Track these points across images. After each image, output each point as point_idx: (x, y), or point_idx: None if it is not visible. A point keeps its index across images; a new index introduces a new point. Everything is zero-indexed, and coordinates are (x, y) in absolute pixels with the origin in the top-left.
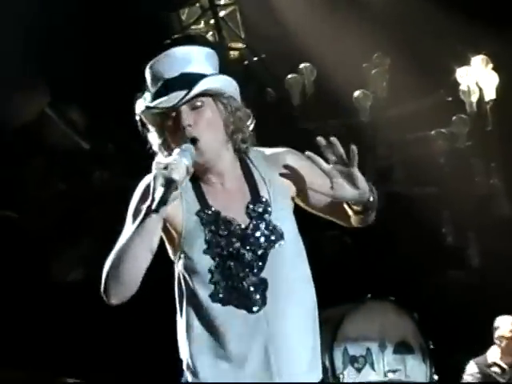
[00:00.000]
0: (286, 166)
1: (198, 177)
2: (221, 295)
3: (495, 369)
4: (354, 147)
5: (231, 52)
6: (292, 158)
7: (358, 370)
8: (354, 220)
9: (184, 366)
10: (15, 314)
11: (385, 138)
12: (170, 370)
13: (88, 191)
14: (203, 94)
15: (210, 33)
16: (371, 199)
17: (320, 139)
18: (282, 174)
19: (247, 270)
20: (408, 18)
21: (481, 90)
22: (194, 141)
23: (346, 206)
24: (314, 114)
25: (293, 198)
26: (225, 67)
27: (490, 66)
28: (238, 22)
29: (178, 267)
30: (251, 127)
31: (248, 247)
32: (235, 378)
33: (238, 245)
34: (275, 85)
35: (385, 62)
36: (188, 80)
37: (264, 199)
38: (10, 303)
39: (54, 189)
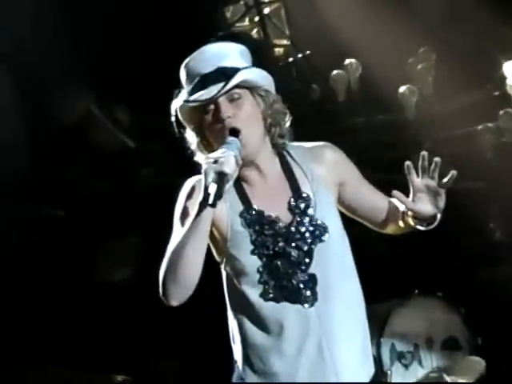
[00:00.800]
0: (328, 160)
1: (239, 176)
2: (271, 294)
3: None
4: (437, 159)
5: (276, 49)
6: (333, 152)
7: (406, 366)
8: (396, 230)
9: (238, 366)
10: (63, 314)
11: (431, 133)
12: (223, 372)
13: (135, 190)
14: (241, 86)
15: (255, 30)
16: (437, 219)
17: (408, 164)
18: (324, 168)
19: (295, 267)
20: (454, 11)
21: None
22: (235, 132)
23: (402, 216)
24: (359, 110)
25: (337, 192)
26: (270, 64)
27: None
28: (282, 18)
29: (226, 269)
30: (288, 123)
31: (293, 244)
32: (290, 374)
33: (283, 243)
34: (320, 81)
35: (431, 57)
36: (225, 73)
37: (305, 195)
38: (57, 303)
39: (101, 188)
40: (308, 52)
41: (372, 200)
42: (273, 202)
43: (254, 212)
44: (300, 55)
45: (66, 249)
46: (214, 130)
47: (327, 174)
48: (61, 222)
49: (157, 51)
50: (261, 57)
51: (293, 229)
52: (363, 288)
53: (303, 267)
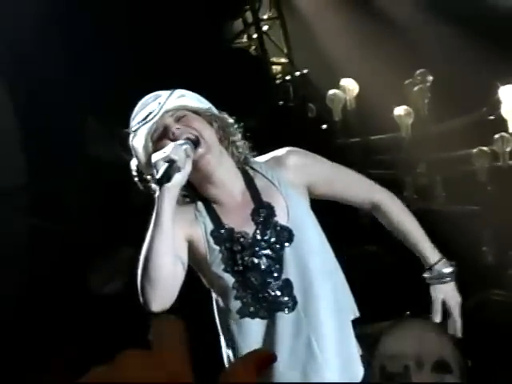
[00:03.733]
0: (292, 165)
1: (209, 199)
2: (251, 308)
3: None
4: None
5: (274, 67)
6: (296, 156)
7: None
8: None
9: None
10: (56, 324)
11: (426, 155)
12: None
13: (128, 203)
14: (184, 108)
15: (253, 47)
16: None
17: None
18: (290, 172)
19: (267, 277)
20: (448, 35)
21: None
22: (191, 141)
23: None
24: (355, 130)
25: (307, 193)
26: (267, 81)
27: None
28: (280, 36)
29: (213, 289)
30: (240, 136)
31: (261, 253)
32: (283, 374)
33: (251, 256)
34: (317, 100)
35: (427, 79)
36: (164, 96)
37: (266, 203)
38: (51, 313)
39: (96, 200)
40: (306, 70)
41: (345, 197)
42: (240, 217)
43: (223, 230)
44: (297, 73)
45: (59, 261)
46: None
47: (294, 177)
48: (55, 234)
49: (155, 67)
50: (258, 74)
51: (258, 237)
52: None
53: (276, 274)
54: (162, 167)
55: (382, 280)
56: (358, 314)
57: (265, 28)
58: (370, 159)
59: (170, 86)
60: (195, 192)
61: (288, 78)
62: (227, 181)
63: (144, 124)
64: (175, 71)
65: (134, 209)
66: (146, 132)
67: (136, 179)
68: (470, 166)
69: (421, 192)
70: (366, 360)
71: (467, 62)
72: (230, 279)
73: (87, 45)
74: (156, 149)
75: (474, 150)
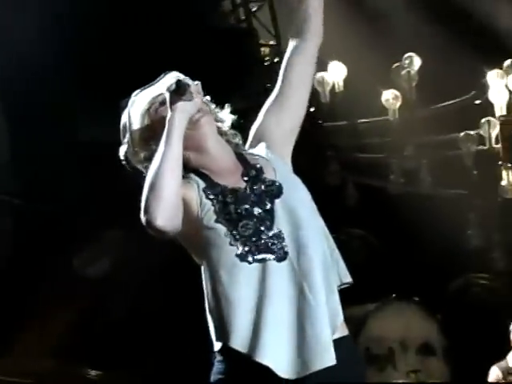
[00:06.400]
0: (261, 132)
1: (201, 168)
2: (244, 255)
3: None
4: None
5: (262, 49)
6: (256, 125)
7: (381, 370)
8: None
9: (217, 339)
10: (38, 306)
11: (413, 139)
12: (197, 366)
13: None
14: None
15: (242, 28)
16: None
17: None
18: (262, 146)
19: (260, 225)
20: (438, 18)
21: (511, 93)
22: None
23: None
24: (342, 113)
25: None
26: (255, 63)
27: None
28: (269, 18)
29: (204, 246)
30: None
31: (253, 204)
32: (279, 320)
33: (244, 205)
34: None
35: (414, 63)
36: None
37: (254, 165)
38: (34, 294)
39: (84, 183)
40: None
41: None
42: (231, 178)
43: (215, 186)
44: None
45: (45, 240)
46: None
47: (263, 147)
48: (42, 215)
49: (144, 48)
50: (247, 56)
51: (249, 191)
52: (342, 291)
53: (268, 223)
54: (175, 81)
55: (367, 262)
56: (347, 280)
57: (253, 9)
58: (358, 143)
59: (158, 66)
60: (186, 166)
61: (276, 60)
62: (219, 151)
63: (148, 88)
64: (163, 52)
65: (120, 193)
66: (150, 97)
67: (124, 161)
68: (457, 149)
69: (407, 175)
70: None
71: (455, 47)
72: (222, 229)
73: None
74: (156, 117)
75: (461, 134)
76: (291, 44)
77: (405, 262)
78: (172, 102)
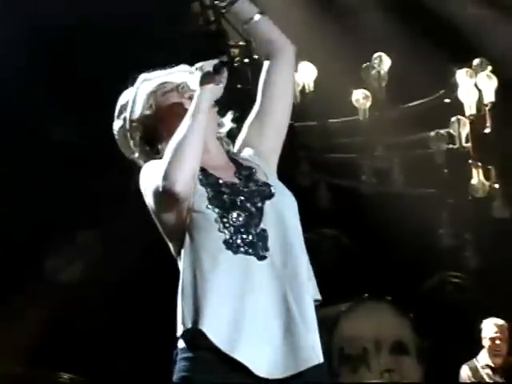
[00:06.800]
0: (244, 149)
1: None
2: (231, 242)
3: (487, 370)
4: None
5: (232, 49)
6: (240, 139)
7: (354, 370)
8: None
9: (187, 324)
10: (14, 310)
11: (383, 138)
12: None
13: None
14: None
15: (211, 29)
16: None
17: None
18: (251, 154)
19: (250, 219)
20: (407, 17)
21: (480, 91)
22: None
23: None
24: (313, 113)
25: (274, 159)
26: (231, 64)
27: (489, 68)
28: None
29: (188, 227)
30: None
31: (247, 198)
32: (257, 309)
33: (239, 197)
34: None
35: (384, 63)
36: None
37: (247, 166)
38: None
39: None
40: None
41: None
42: (224, 174)
43: (211, 176)
44: (256, 56)
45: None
46: (176, 110)
47: (251, 155)
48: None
49: (118, 50)
50: (216, 57)
51: (242, 187)
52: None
53: (257, 220)
54: (215, 63)
55: (340, 262)
56: (318, 297)
57: (223, 10)
58: (328, 143)
59: (131, 68)
60: None
61: (246, 61)
62: (214, 149)
63: (160, 71)
64: (135, 52)
65: (93, 194)
66: (160, 80)
67: (116, 136)
68: (428, 148)
69: (379, 175)
70: (326, 344)
71: (424, 46)
72: (212, 214)
73: None
74: (161, 99)
75: (432, 133)
76: (266, 63)
77: (377, 262)
78: (203, 83)
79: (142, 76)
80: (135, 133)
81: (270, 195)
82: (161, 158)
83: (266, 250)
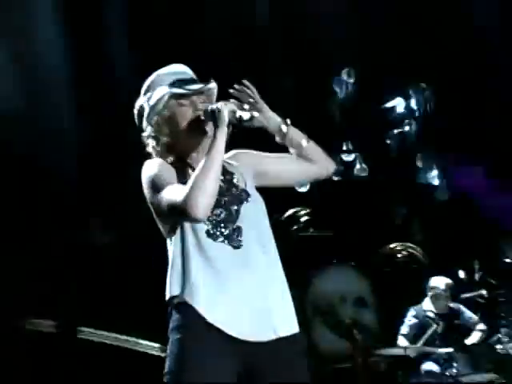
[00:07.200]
0: (240, 158)
1: (188, 160)
2: (213, 232)
3: (429, 313)
4: (244, 82)
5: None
6: (241, 153)
7: (324, 321)
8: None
9: (173, 295)
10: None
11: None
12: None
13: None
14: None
15: None
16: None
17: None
18: (240, 162)
19: (228, 217)
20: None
21: None
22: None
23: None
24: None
25: (255, 176)
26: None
27: None
28: None
29: (169, 233)
30: None
31: (228, 201)
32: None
33: (224, 198)
34: None
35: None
36: (196, 80)
37: (229, 171)
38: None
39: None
40: None
41: (275, 161)
42: None
43: None
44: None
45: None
46: (190, 117)
47: (242, 164)
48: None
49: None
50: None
51: (225, 191)
52: (292, 257)
53: (233, 218)
54: (235, 114)
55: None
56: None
57: None
58: None
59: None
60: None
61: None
62: (205, 150)
63: (189, 85)
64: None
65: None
66: (180, 90)
67: (136, 111)
68: None
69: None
70: (300, 299)
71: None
72: None
73: None
74: (177, 110)
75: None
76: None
77: (343, 235)
78: (222, 122)
79: (173, 65)
80: (149, 118)
81: (247, 200)
82: (159, 154)
83: (240, 241)
